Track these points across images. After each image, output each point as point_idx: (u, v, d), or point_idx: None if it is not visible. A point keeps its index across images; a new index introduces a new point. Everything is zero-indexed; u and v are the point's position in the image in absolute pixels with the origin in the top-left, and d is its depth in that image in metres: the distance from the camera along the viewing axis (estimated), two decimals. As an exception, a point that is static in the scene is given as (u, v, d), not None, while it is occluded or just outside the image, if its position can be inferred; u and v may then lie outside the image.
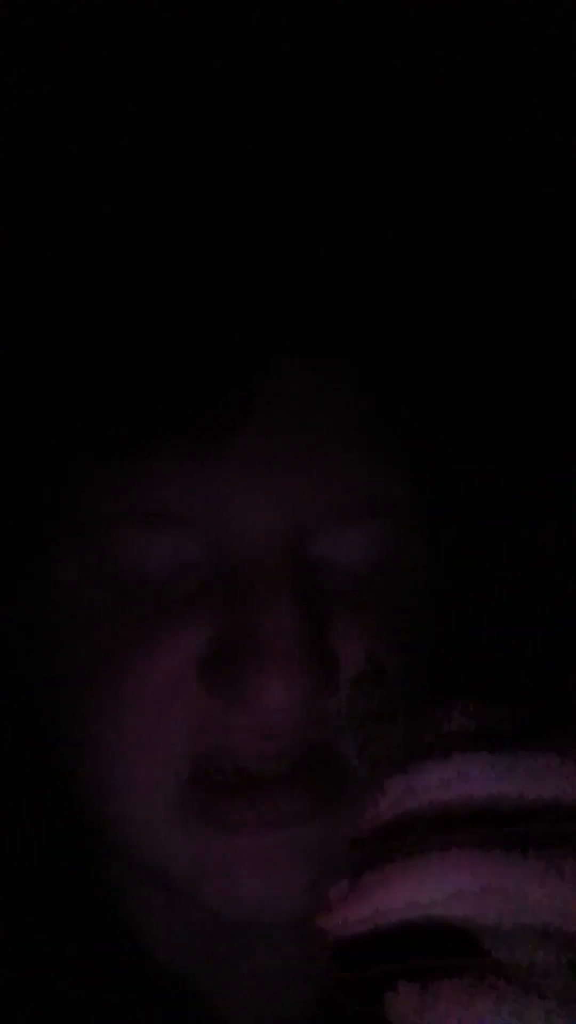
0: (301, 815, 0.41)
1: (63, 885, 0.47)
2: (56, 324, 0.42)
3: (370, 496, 0.43)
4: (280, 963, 0.48)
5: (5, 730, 0.47)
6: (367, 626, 0.42)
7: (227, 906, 0.42)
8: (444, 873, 0.30)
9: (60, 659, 0.43)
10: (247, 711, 0.40)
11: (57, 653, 0.43)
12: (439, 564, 0.46)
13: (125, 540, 0.42)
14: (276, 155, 0.42)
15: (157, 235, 0.41)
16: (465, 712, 0.34)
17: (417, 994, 0.30)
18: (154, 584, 0.42)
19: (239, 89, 0.43)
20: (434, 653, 0.45)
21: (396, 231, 0.43)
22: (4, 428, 0.43)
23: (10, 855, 0.47)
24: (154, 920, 0.47)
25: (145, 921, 0.47)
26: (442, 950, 0.31)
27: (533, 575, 0.51)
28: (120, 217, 0.41)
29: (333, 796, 0.42)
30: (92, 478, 0.41)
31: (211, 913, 0.43)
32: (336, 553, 0.43)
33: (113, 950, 0.47)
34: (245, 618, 0.40)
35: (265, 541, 0.41)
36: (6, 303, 0.42)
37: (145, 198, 0.42)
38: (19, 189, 0.43)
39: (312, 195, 0.42)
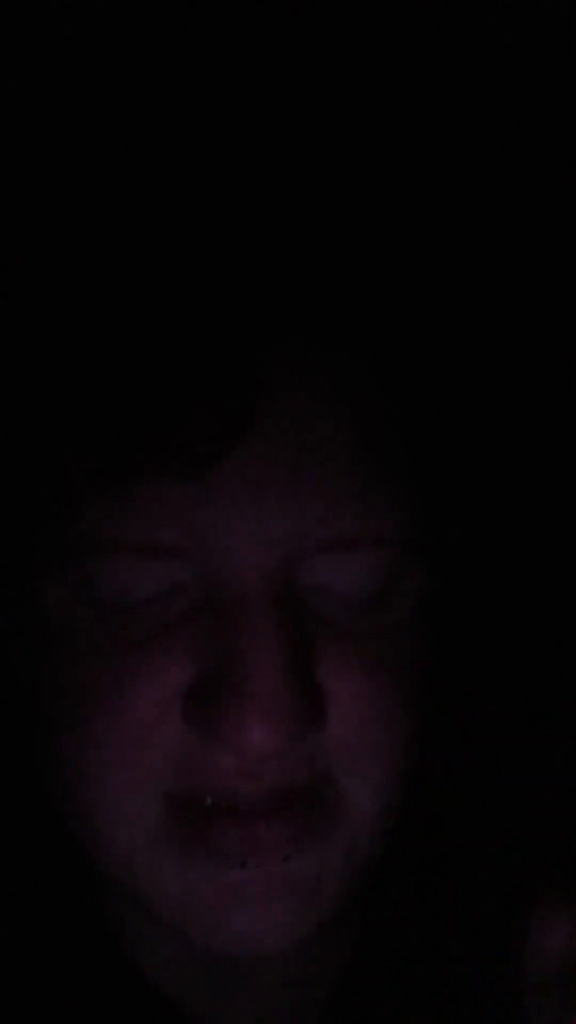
0: (284, 848, 0.40)
1: (58, 908, 0.46)
2: (40, 339, 0.40)
3: (367, 524, 0.41)
4: (279, 989, 0.47)
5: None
6: (360, 659, 0.41)
7: (212, 938, 0.41)
8: None
9: (43, 682, 0.42)
10: (227, 751, 0.39)
11: (40, 676, 0.42)
12: (441, 595, 0.45)
13: (110, 566, 0.40)
14: (273, 149, 0.41)
15: (146, 242, 0.40)
16: None
17: None
18: (140, 611, 0.40)
19: (240, 75, 0.42)
20: (433, 688, 0.44)
21: (399, 225, 0.42)
22: None
23: (4, 878, 0.46)
24: (151, 944, 0.46)
25: (142, 944, 0.46)
26: None
27: (541, 608, 0.50)
28: (110, 222, 0.40)
29: (319, 830, 0.41)
30: (77, 503, 0.40)
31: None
32: (331, 580, 0.41)
33: (109, 973, 0.46)
34: (229, 651, 0.39)
35: (253, 570, 0.39)
36: None
37: (136, 198, 0.40)
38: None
39: (307, 190, 0.41)
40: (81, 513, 0.40)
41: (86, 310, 0.40)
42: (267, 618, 0.39)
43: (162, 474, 0.38)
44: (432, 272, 0.43)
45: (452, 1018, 0.46)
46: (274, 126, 0.42)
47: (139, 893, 0.42)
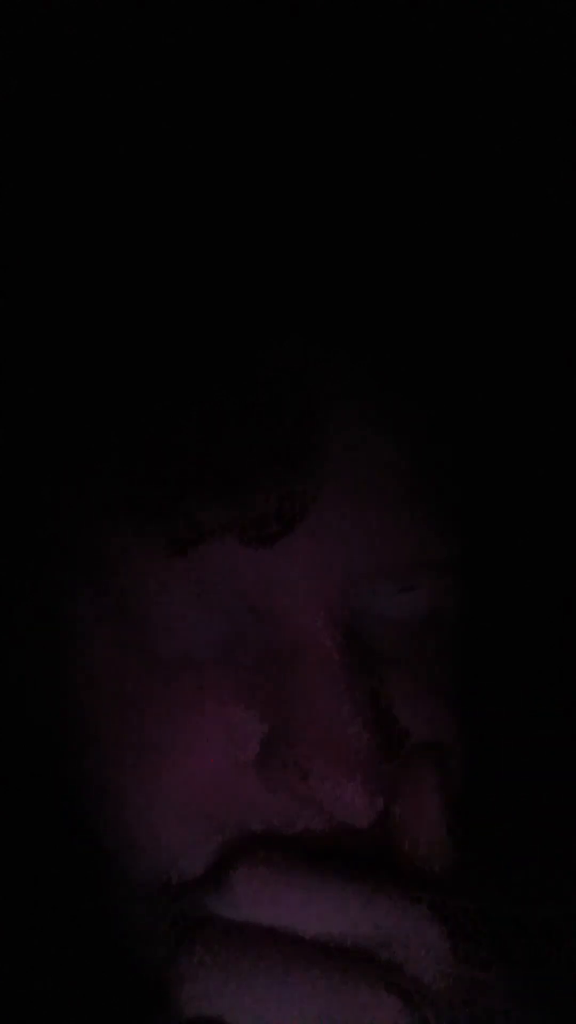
0: None
1: (58, 907, 0.46)
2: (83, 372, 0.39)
3: (424, 552, 0.40)
4: None
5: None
6: (422, 685, 0.40)
7: None
8: None
9: (91, 736, 0.41)
10: (318, 811, 0.38)
11: (88, 731, 0.41)
12: (485, 610, 0.44)
13: (165, 618, 0.39)
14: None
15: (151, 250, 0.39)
16: None
17: None
18: (197, 662, 0.39)
19: (240, 74, 0.42)
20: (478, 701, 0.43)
21: (400, 225, 0.42)
22: (34, 495, 0.41)
23: (11, 877, 0.46)
24: (153, 942, 0.46)
25: (144, 943, 0.46)
26: None
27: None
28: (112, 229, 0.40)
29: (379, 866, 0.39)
30: (127, 559, 0.39)
31: None
32: (386, 610, 0.40)
33: (110, 973, 0.46)
34: (307, 706, 0.38)
35: (320, 616, 0.38)
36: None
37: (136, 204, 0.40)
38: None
39: (308, 190, 0.41)
40: (130, 568, 0.39)
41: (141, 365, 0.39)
42: (343, 667, 0.38)
43: (227, 539, 0.37)
44: (433, 272, 0.43)
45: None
46: (275, 127, 0.42)
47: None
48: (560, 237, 0.47)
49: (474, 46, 0.45)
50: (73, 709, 0.42)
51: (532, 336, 0.47)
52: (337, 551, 0.38)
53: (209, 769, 0.39)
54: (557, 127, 0.47)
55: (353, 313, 0.41)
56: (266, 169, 0.41)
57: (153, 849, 0.40)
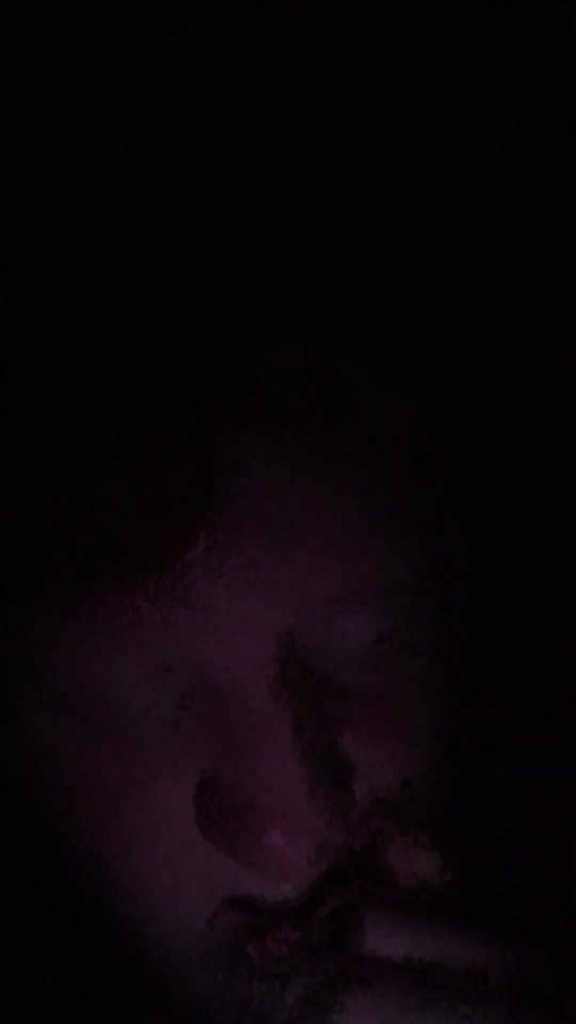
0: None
1: (57, 907, 0.46)
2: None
3: (363, 579, 0.38)
4: None
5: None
6: (375, 721, 0.39)
7: None
8: None
9: (77, 831, 0.41)
10: (257, 868, 0.37)
11: (73, 828, 0.41)
12: (459, 636, 0.43)
13: (102, 693, 0.38)
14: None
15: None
16: None
17: None
18: (153, 744, 0.38)
19: (239, 72, 0.42)
20: (457, 737, 0.42)
21: (400, 225, 0.42)
22: None
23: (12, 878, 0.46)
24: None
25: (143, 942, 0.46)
26: None
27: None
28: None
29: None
30: (55, 643, 0.38)
31: None
32: (335, 637, 0.38)
33: (110, 972, 0.46)
34: (239, 761, 0.37)
35: (249, 665, 0.37)
36: None
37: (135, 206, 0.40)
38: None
39: (307, 190, 0.40)
40: (62, 651, 0.38)
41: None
42: (275, 712, 0.37)
43: (118, 592, 0.36)
44: (433, 272, 0.43)
45: None
46: (275, 128, 0.42)
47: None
48: (560, 237, 0.47)
49: (474, 46, 0.45)
50: (54, 814, 0.42)
51: (532, 336, 0.47)
52: (260, 589, 0.37)
53: (189, 837, 0.39)
54: (557, 127, 0.47)
55: (353, 313, 0.41)
56: (266, 169, 0.41)
57: (163, 914, 0.40)
